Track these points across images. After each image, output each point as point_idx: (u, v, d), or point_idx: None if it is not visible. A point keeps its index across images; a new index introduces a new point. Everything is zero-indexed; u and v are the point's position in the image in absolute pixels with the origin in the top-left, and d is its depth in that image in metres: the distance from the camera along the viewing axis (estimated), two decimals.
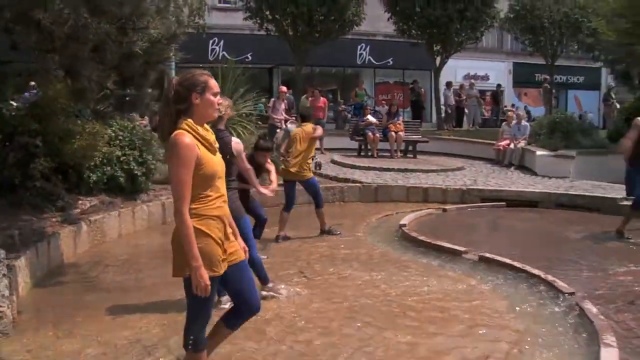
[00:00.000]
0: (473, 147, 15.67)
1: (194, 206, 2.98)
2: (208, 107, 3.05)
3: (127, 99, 6.04)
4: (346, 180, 10.85)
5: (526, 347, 4.18)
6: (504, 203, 9.91)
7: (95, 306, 5.02)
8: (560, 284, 5.35)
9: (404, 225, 7.93)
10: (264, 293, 5.03)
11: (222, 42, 24.96)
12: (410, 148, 14.70)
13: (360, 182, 10.75)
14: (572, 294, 5.12)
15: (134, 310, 4.92)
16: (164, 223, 8.62)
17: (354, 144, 14.99)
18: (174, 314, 4.74)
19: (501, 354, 4.05)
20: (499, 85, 25.53)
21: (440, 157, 14.83)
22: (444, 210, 9.46)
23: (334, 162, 13.05)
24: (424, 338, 4.30)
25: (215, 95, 3.08)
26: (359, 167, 12.33)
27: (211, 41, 24.78)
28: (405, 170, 12.06)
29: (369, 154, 14.12)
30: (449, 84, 20.54)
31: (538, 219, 9.11)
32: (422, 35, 17.51)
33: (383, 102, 23.60)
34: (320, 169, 11.84)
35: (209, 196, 3.03)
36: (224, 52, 24.90)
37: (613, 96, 20.19)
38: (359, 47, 27.00)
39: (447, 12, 16.26)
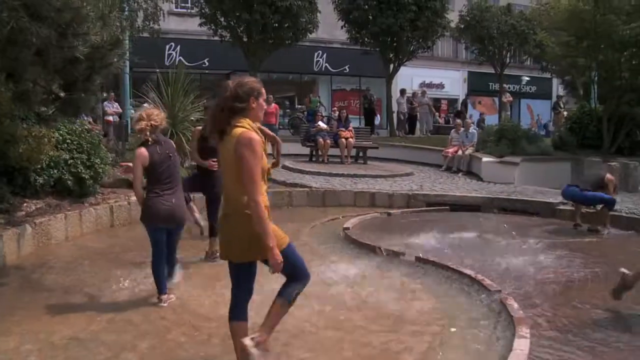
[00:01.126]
0: (423, 153, 16.07)
1: None
2: (260, 110, 3.53)
3: (70, 102, 6.07)
4: (295, 185, 11.05)
5: (449, 339, 4.44)
6: (447, 207, 10.26)
7: (35, 306, 5.09)
8: (487, 282, 5.66)
9: (347, 228, 8.18)
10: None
11: (178, 47, 24.97)
12: (361, 154, 15.00)
13: (309, 187, 10.96)
14: (498, 291, 5.43)
15: (74, 309, 5.02)
16: (112, 226, 8.69)
17: (307, 150, 15.21)
18: (112, 313, 4.89)
19: (423, 346, 4.30)
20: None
21: (391, 164, 15.18)
22: (389, 214, 9.74)
23: (284, 167, 13.23)
24: (350, 333, 4.52)
25: (264, 101, 3.53)
26: (309, 172, 12.55)
27: (168, 46, 24.78)
28: (355, 175, 12.34)
29: (320, 159, 14.36)
30: (402, 92, 20.97)
31: (478, 222, 9.46)
32: (375, 43, 17.89)
33: (335, 110, 23.94)
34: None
35: (262, 187, 3.42)
36: (181, 57, 24.91)
37: (562, 105, 20.92)
38: (315, 54, 27.33)
39: (399, 21, 16.65)
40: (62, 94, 5.69)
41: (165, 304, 5.11)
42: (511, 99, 23.71)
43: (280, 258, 3.40)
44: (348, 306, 5.17)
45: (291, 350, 4.16)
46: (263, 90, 3.55)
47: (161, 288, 5.19)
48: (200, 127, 6.89)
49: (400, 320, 4.85)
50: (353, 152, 14.92)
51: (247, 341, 3.47)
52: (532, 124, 28.77)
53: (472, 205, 10.42)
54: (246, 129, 3.38)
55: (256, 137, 3.37)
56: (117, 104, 17.03)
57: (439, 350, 4.26)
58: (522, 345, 4.12)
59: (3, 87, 5.37)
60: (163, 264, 5.25)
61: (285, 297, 3.65)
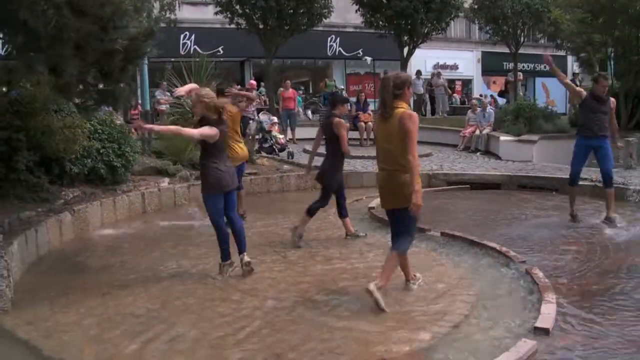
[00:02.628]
0: (441, 134, 16.24)
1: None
2: (410, 96, 4.94)
3: (108, 93, 6.35)
4: (317, 167, 11.24)
5: (482, 304, 4.70)
6: (468, 186, 10.47)
7: (85, 286, 5.43)
8: (512, 253, 5.91)
9: (372, 207, 8.43)
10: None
11: (193, 36, 25.15)
12: None
13: None
14: (523, 262, 5.67)
15: (120, 287, 5.33)
16: (144, 212, 9.02)
17: None
18: (158, 288, 5.21)
19: (461, 310, 4.55)
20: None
21: None
22: None
23: (306, 151, 13.45)
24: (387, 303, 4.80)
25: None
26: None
27: (182, 35, 24.97)
28: (376, 157, 12.50)
29: None
30: (418, 73, 21.07)
31: (499, 199, 9.69)
32: (389, 26, 18.00)
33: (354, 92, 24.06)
34: (292, 158, 12.29)
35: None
36: (196, 46, 25.13)
37: (578, 83, 20.89)
38: (329, 38, 27.40)
39: (413, 3, 16.75)
40: (100, 85, 5.94)
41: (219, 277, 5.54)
42: (521, 77, 23.67)
43: (421, 201, 4.61)
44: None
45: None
46: (411, 81, 4.90)
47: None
48: None
49: (433, 288, 5.13)
50: (372, 135, 15.11)
51: (372, 286, 4.51)
52: (547, 102, 28.72)
53: (492, 183, 10.60)
54: (409, 109, 4.70)
55: (415, 115, 4.67)
56: (169, 93, 16.90)
57: (473, 312, 4.54)
58: (549, 309, 4.38)
59: (44, 81, 5.64)
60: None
61: (402, 249, 4.81)
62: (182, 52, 24.43)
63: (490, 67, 31.02)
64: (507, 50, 22.22)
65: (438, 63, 30.04)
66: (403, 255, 4.87)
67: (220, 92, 7.00)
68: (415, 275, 5.17)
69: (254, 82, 16.10)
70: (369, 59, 24.64)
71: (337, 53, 27.85)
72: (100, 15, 5.04)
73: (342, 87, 23.39)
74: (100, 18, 5.08)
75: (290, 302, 4.84)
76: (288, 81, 16.27)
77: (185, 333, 4.26)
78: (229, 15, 17.22)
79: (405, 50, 18.54)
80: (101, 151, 8.72)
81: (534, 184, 10.41)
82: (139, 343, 4.10)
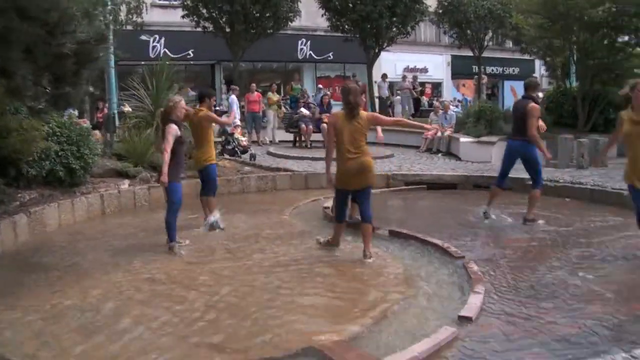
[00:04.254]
0: (404, 136, 16.47)
1: None
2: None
3: (60, 96, 6.46)
4: (278, 169, 11.47)
5: (416, 296, 4.94)
6: (424, 186, 10.73)
7: (34, 284, 5.53)
8: (453, 249, 6.16)
9: (327, 207, 8.63)
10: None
11: (162, 40, 25.17)
12: None
13: (292, 171, 11.39)
14: (461, 257, 5.92)
15: (71, 285, 5.45)
16: (104, 213, 9.10)
17: (291, 136, 15.61)
18: (108, 285, 5.35)
19: (393, 301, 4.77)
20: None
21: (372, 147, 15.52)
22: None
23: (269, 153, 13.66)
24: (324, 294, 4.99)
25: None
26: (292, 157, 12.97)
27: (152, 39, 24.99)
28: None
29: (304, 144, 14.77)
30: (383, 76, 21.38)
31: (453, 199, 9.96)
32: (355, 30, 18.27)
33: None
34: (254, 160, 12.45)
35: None
36: (165, 49, 25.19)
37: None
38: (299, 42, 27.60)
39: (377, 8, 17.04)
40: (51, 89, 6.05)
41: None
42: (485, 80, 24.12)
43: None
44: (322, 273, 5.64)
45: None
46: None
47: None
48: None
49: (371, 280, 5.35)
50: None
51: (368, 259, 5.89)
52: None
53: (448, 183, 10.88)
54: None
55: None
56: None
57: (407, 303, 4.76)
58: (475, 299, 4.62)
59: None
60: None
61: (369, 219, 6.15)
62: (151, 55, 24.43)
63: (459, 70, 31.51)
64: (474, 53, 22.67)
65: (408, 66, 30.46)
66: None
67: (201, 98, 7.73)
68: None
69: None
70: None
71: (307, 56, 28.06)
72: (47, 20, 5.16)
73: (309, 91, 23.58)
74: (46, 23, 5.20)
75: (230, 294, 5.02)
76: (253, 84, 16.44)
77: (131, 327, 4.39)
78: (196, 19, 17.31)
79: (372, 53, 18.79)
80: (60, 153, 8.75)
81: (488, 184, 10.66)
82: (83, 337, 4.23)
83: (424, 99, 28.41)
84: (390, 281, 5.35)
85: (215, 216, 7.60)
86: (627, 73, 15.74)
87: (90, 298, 5.06)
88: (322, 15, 19.11)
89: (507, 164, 8.01)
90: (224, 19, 16.88)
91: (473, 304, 4.51)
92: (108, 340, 4.17)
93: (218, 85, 26.61)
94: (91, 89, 24.13)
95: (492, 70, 32.13)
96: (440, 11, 20.50)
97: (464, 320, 4.26)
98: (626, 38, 15.91)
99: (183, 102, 6.94)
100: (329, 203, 8.92)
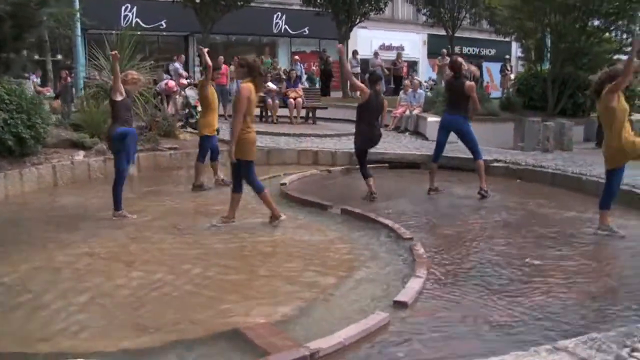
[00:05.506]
0: None
1: None
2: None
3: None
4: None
5: (357, 278, 4.81)
6: (386, 165, 10.61)
7: None
8: (402, 230, 6.03)
9: (284, 184, 8.49)
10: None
11: (135, 9, 24.63)
12: (311, 115, 15.23)
13: None
14: (410, 239, 5.80)
15: (2, 258, 5.24)
16: (56, 185, 8.85)
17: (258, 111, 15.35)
18: (43, 260, 5.17)
19: (331, 282, 4.67)
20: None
21: (341, 124, 15.43)
22: (329, 171, 10.07)
23: None
24: (262, 274, 4.87)
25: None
26: (257, 132, 12.70)
27: (123, 7, 24.45)
28: (301, 135, 12.59)
29: (270, 120, 14.57)
30: (354, 53, 21.14)
31: (413, 178, 9.86)
32: (327, 5, 17.99)
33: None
34: (218, 133, 12.19)
35: None
36: (138, 19, 24.67)
37: (509, 68, 21.39)
38: (274, 16, 27.28)
39: None
40: None
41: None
42: (446, 62, 23.80)
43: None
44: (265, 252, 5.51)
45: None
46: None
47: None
48: None
49: (313, 260, 5.23)
50: (303, 112, 15.13)
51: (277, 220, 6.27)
52: (486, 86, 29.18)
53: (410, 162, 10.78)
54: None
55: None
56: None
57: (346, 285, 4.64)
58: (415, 283, 4.50)
59: None
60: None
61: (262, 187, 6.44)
62: (123, 25, 23.88)
63: (436, 49, 31.14)
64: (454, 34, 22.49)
65: (384, 44, 30.26)
66: None
67: None
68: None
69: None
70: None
71: (282, 30, 27.77)
72: None
73: (284, 66, 23.27)
74: None
75: (166, 271, 4.88)
76: (221, 57, 16.05)
77: (55, 302, 4.23)
78: None
79: (344, 29, 18.54)
80: (9, 122, 8.46)
81: (451, 164, 10.62)
82: (1, 313, 4.07)
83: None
84: (333, 262, 5.23)
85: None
86: (599, 58, 15.77)
87: (19, 272, 4.87)
88: None
89: (442, 137, 8.58)
90: None
91: (411, 288, 4.38)
92: (26, 316, 4.00)
93: (192, 57, 26.17)
94: (59, 56, 23.57)
95: (468, 50, 32.06)
96: None
97: (399, 305, 4.14)
98: (597, 23, 15.90)
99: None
100: (288, 179, 8.82)
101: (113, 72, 6.75)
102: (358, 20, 18.48)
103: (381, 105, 8.07)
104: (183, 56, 16.08)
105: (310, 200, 7.46)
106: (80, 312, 4.07)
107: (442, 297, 4.42)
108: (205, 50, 8.80)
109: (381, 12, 19.35)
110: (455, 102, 8.28)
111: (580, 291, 4.55)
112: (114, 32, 12.09)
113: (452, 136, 12.40)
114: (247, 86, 6.21)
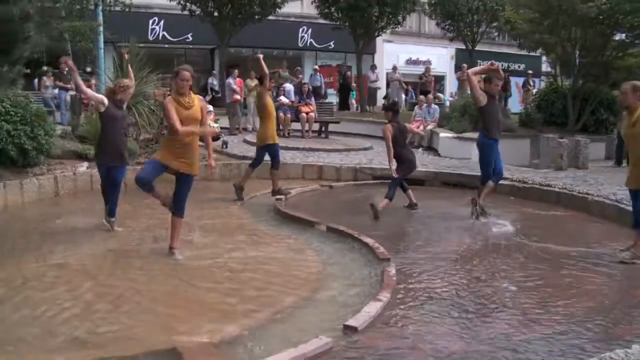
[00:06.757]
0: None
1: None
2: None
3: None
4: (245, 157, 11.25)
5: (319, 298, 4.73)
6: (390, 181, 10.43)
7: None
8: (381, 250, 5.87)
9: (279, 199, 8.43)
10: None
11: (162, 22, 25.00)
12: (324, 129, 15.17)
13: None
14: (387, 259, 5.63)
15: None
16: (57, 195, 8.97)
17: None
18: (12, 271, 5.22)
19: (288, 302, 4.56)
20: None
21: (354, 138, 15.34)
22: (331, 187, 9.96)
23: (245, 141, 13.45)
24: (222, 291, 4.80)
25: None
26: None
27: (151, 21, 24.84)
28: (309, 149, 12.53)
29: (282, 133, 14.53)
30: (372, 67, 21.07)
31: (416, 195, 9.63)
32: (344, 18, 17.98)
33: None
34: (226, 147, 12.26)
35: None
36: (164, 33, 25.07)
37: (531, 83, 21.00)
38: (300, 29, 27.37)
39: None
40: None
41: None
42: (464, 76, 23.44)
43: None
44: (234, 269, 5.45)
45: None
46: None
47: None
48: None
49: (278, 279, 5.16)
50: (317, 126, 15.08)
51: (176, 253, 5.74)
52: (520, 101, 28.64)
53: (415, 179, 10.58)
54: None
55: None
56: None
57: (304, 306, 4.54)
58: (371, 307, 4.33)
59: None
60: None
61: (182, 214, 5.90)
62: (150, 38, 24.34)
63: (464, 63, 31.01)
64: (481, 47, 22.17)
65: (411, 58, 30.12)
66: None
67: None
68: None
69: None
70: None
71: (308, 44, 27.82)
72: None
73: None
74: None
75: (128, 285, 4.86)
76: (235, 70, 16.18)
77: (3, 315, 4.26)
78: (183, 2, 17.09)
79: (361, 43, 18.50)
80: (12, 133, 8.63)
81: (456, 181, 10.44)
82: None
83: (411, 91, 28.03)
84: (299, 281, 5.13)
85: None
86: (622, 73, 15.32)
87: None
88: (312, 3, 18.82)
89: None
90: (210, 3, 16.62)
91: (365, 312, 4.22)
92: None
93: (218, 70, 26.44)
94: (88, 69, 24.06)
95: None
96: (433, 2, 20.10)
97: (349, 329, 3.99)
98: (623, 36, 15.46)
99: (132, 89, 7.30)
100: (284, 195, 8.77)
101: (75, 84, 6.83)
102: (377, 34, 18.39)
103: (405, 130, 8.50)
104: (236, 70, 16.18)
105: (298, 216, 7.36)
106: (26, 325, 4.06)
107: (399, 324, 4.22)
108: (261, 56, 8.89)
109: (399, 26, 19.21)
110: None
111: (548, 321, 4.32)
112: (141, 45, 12.28)
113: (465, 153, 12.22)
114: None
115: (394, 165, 8.08)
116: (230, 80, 15.90)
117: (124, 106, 7.23)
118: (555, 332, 4.12)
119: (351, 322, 4.07)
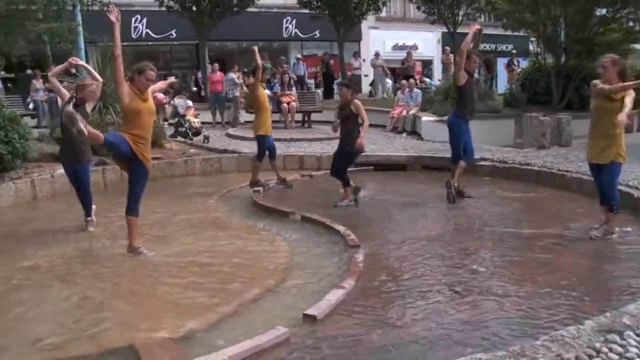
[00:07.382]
0: (372, 115, 16.07)
1: None
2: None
3: None
4: (225, 151, 11.23)
5: (285, 287, 4.73)
6: (372, 167, 10.42)
7: None
8: (351, 237, 5.84)
9: (257, 191, 8.41)
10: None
11: (145, 20, 24.84)
12: (306, 118, 15.11)
13: (239, 153, 11.13)
14: (357, 246, 5.60)
15: None
16: (35, 198, 8.92)
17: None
18: None
19: (254, 293, 4.56)
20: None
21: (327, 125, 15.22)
22: (310, 176, 9.94)
23: (228, 135, 13.41)
24: (187, 285, 4.78)
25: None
26: (247, 139, 12.65)
27: (133, 19, 24.67)
28: (290, 139, 12.48)
29: None
30: (355, 54, 20.97)
31: (398, 180, 9.66)
32: (323, 7, 17.87)
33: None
34: (208, 142, 12.22)
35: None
36: (148, 30, 24.93)
37: (515, 62, 20.93)
38: (284, 20, 27.23)
39: None
40: None
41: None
42: (451, 59, 23.33)
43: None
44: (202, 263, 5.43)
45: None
46: None
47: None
48: None
49: (244, 271, 5.15)
50: (299, 116, 15.03)
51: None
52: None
53: (397, 164, 10.58)
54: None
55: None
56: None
57: (269, 297, 4.54)
58: (333, 295, 4.31)
59: None
60: None
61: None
62: (133, 36, 24.21)
63: (451, 48, 30.87)
64: (465, 30, 21.93)
65: (397, 44, 29.98)
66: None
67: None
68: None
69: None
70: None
71: (293, 35, 27.69)
72: None
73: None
74: None
75: (95, 285, 4.86)
76: (216, 64, 16.09)
77: None
78: None
79: (341, 31, 18.40)
80: None
81: (437, 165, 10.41)
82: None
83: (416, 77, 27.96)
84: (266, 271, 5.11)
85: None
86: (604, 49, 15.24)
87: None
88: None
89: None
90: None
91: (326, 300, 4.20)
92: None
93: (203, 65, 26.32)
94: (73, 70, 23.85)
95: (485, 47, 31.48)
96: None
97: (308, 319, 3.97)
98: (604, 11, 15.39)
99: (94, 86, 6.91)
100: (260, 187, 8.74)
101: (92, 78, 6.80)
102: (357, 20, 18.29)
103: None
104: (236, 66, 16.15)
105: (273, 207, 7.35)
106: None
107: (362, 311, 4.17)
108: (256, 48, 8.83)
109: (379, 12, 19.10)
110: None
111: (514, 303, 4.29)
112: (125, 43, 12.15)
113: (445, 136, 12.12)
114: None
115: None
116: (231, 74, 15.86)
117: (87, 105, 7.08)
118: (520, 311, 4.11)
119: (310, 310, 4.05)
